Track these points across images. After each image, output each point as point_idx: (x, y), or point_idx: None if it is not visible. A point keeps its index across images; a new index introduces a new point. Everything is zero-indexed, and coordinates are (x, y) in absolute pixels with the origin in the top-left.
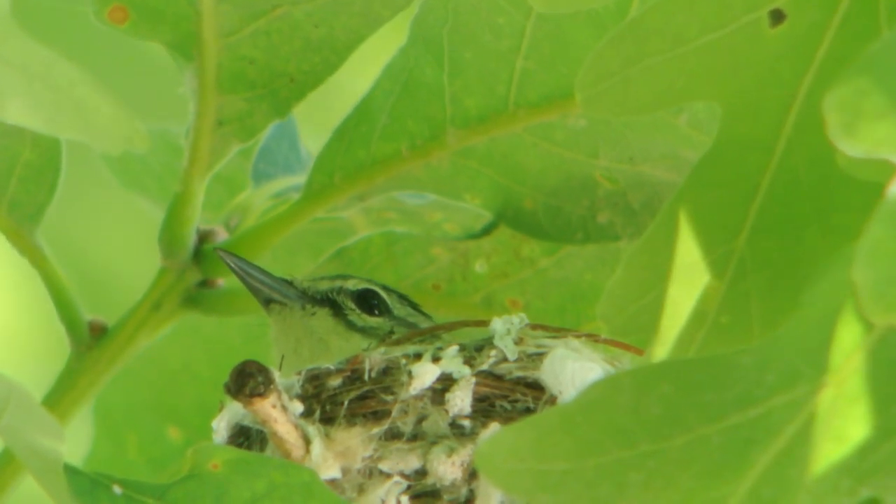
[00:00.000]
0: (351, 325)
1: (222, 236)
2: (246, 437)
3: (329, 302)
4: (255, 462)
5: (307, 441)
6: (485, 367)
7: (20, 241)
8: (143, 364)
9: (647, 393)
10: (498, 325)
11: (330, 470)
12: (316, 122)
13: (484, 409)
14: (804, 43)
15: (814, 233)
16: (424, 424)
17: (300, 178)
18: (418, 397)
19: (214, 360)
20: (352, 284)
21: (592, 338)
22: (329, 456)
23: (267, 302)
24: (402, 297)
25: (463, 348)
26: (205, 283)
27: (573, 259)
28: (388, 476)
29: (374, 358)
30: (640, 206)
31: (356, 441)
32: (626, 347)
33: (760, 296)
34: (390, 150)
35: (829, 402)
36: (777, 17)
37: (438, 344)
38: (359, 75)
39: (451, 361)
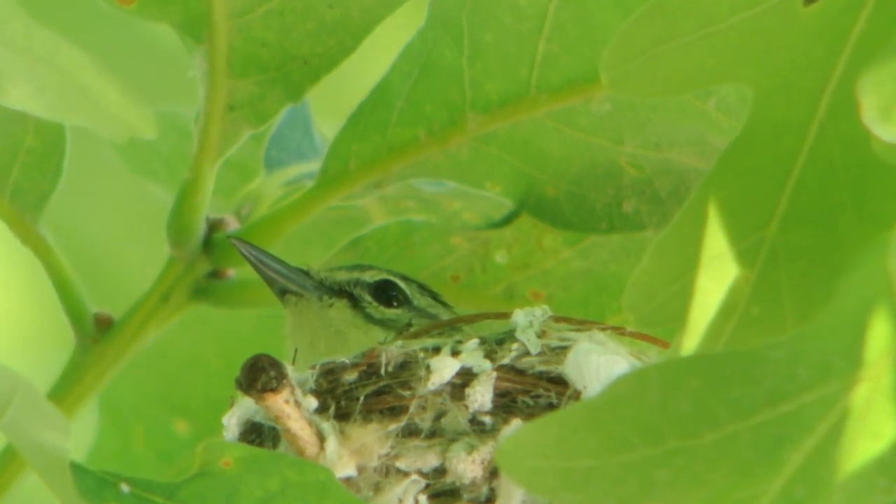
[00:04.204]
0: (369, 318)
1: (233, 225)
2: (258, 434)
3: (347, 293)
4: (268, 460)
5: (321, 438)
6: (506, 361)
7: (23, 231)
8: (150, 355)
9: (674, 388)
10: (520, 317)
11: (345, 468)
12: (330, 107)
13: (505, 404)
14: (839, 22)
15: (848, 220)
16: (443, 421)
17: (314, 165)
18: (437, 392)
19: (225, 351)
20: (369, 276)
21: (618, 331)
22: (344, 453)
23: (282, 293)
24: (423, 287)
25: (483, 341)
26: (215, 274)
27: (597, 249)
28: (406, 474)
29: (391, 352)
30: (667, 194)
31: (372, 438)
32: (653, 341)
33: (793, 286)
34: (407, 135)
35: (864, 397)
36: None
37: (458, 337)
38: (375, 59)
39: (472, 355)
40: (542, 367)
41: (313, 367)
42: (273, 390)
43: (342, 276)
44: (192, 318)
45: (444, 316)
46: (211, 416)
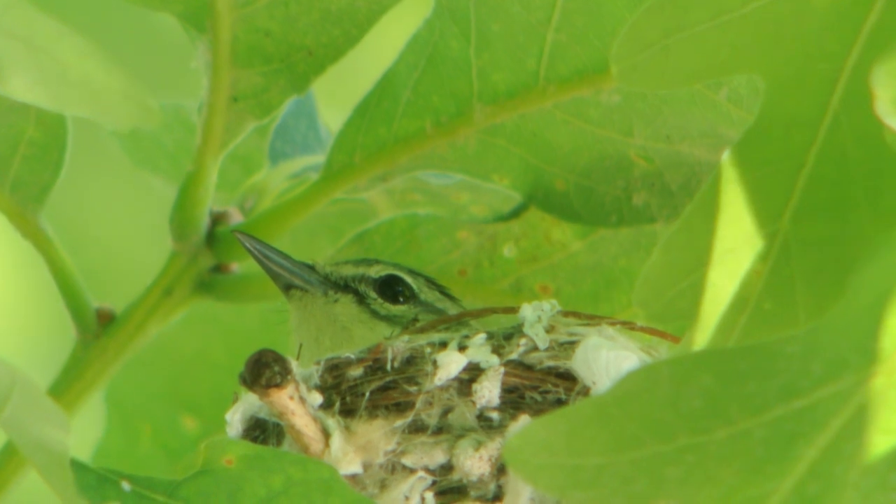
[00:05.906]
0: (375, 314)
1: (237, 218)
2: (262, 430)
3: (353, 289)
4: (272, 457)
5: (326, 434)
6: (514, 356)
7: (24, 224)
8: (156, 350)
9: (686, 384)
10: (528, 311)
11: (350, 465)
12: (336, 98)
13: (513, 400)
14: (852, 12)
15: (862, 214)
16: (450, 417)
17: (319, 158)
18: (444, 388)
19: (231, 345)
20: (374, 271)
21: (628, 325)
22: (349, 450)
23: (287, 287)
24: (430, 281)
25: (491, 336)
26: (218, 268)
27: (607, 243)
28: (412, 471)
29: (397, 346)
30: (678, 187)
31: (378, 434)
32: (664, 335)
33: (805, 280)
34: (414, 127)
35: (878, 392)
36: None
37: (465, 332)
38: (381, 49)
39: (479, 350)
40: (551, 363)
41: (318, 363)
42: (277, 386)
43: (348, 271)
44: (198, 313)
45: (452, 310)
46: (219, 412)
